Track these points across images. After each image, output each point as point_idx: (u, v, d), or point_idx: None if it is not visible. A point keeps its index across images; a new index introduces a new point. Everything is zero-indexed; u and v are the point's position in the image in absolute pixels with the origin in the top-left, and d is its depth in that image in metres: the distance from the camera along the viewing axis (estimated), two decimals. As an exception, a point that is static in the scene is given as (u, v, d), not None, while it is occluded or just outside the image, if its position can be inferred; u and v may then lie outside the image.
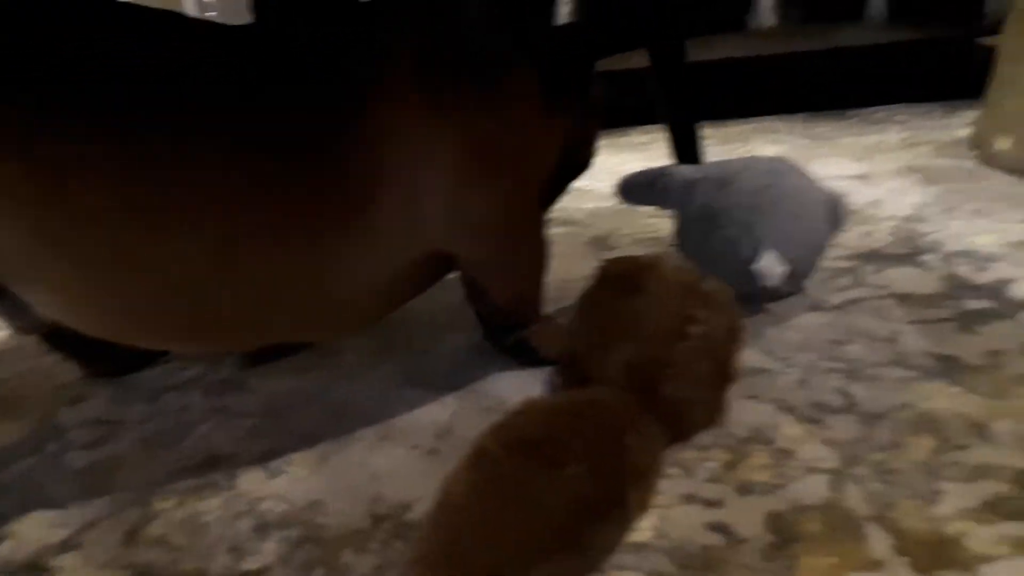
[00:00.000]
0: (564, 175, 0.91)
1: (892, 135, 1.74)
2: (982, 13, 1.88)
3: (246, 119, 0.62)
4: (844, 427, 0.65)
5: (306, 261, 0.66)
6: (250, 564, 0.59)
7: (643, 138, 1.92)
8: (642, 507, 0.53)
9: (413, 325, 0.99)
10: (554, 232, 1.30)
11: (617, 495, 0.50)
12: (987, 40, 1.56)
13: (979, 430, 0.63)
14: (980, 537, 0.51)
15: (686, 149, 1.16)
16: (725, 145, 1.77)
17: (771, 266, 0.82)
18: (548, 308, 0.89)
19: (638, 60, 1.14)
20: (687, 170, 0.95)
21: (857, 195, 1.32)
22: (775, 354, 0.80)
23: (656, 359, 0.59)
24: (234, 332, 0.70)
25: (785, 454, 0.63)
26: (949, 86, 1.97)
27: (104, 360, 0.90)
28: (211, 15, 2.35)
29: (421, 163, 0.68)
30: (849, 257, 1.05)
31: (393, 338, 0.96)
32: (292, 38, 0.68)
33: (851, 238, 1.12)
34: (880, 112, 1.96)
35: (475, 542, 0.47)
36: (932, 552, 0.50)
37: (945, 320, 0.83)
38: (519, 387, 0.78)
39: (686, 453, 0.64)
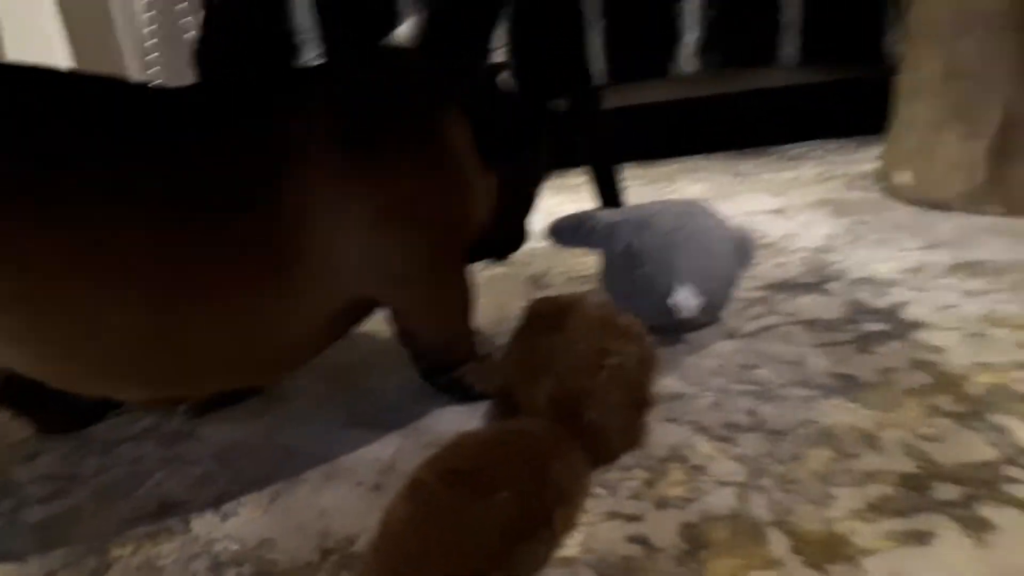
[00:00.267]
0: (507, 222, 0.96)
1: (808, 170, 1.86)
2: (882, 55, 2.04)
3: (176, 181, 0.65)
4: (752, 444, 0.72)
5: (237, 314, 0.69)
6: (205, 602, 0.62)
7: (579, 180, 2.00)
8: (569, 526, 0.58)
9: (358, 367, 1.03)
10: (494, 272, 1.37)
11: (544, 516, 0.55)
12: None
13: (870, 440, 0.70)
14: (865, 534, 0.58)
15: (607, 192, 1.24)
16: (653, 185, 1.87)
17: (686, 299, 0.89)
18: (486, 345, 0.94)
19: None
20: (609, 214, 1.03)
21: (773, 228, 1.43)
22: (692, 380, 0.87)
23: (577, 390, 0.65)
24: (178, 379, 0.73)
25: (698, 470, 0.69)
26: (862, 122, 2.12)
27: (56, 416, 0.92)
28: (154, 71, 2.37)
29: (342, 221, 0.72)
30: (763, 287, 1.14)
31: (337, 381, 1.00)
32: (222, 100, 0.72)
33: (765, 269, 1.21)
34: (797, 149, 2.10)
35: (413, 568, 0.51)
36: (823, 549, 0.57)
37: (846, 342, 0.92)
38: (459, 422, 0.83)
39: (610, 474, 0.69)
